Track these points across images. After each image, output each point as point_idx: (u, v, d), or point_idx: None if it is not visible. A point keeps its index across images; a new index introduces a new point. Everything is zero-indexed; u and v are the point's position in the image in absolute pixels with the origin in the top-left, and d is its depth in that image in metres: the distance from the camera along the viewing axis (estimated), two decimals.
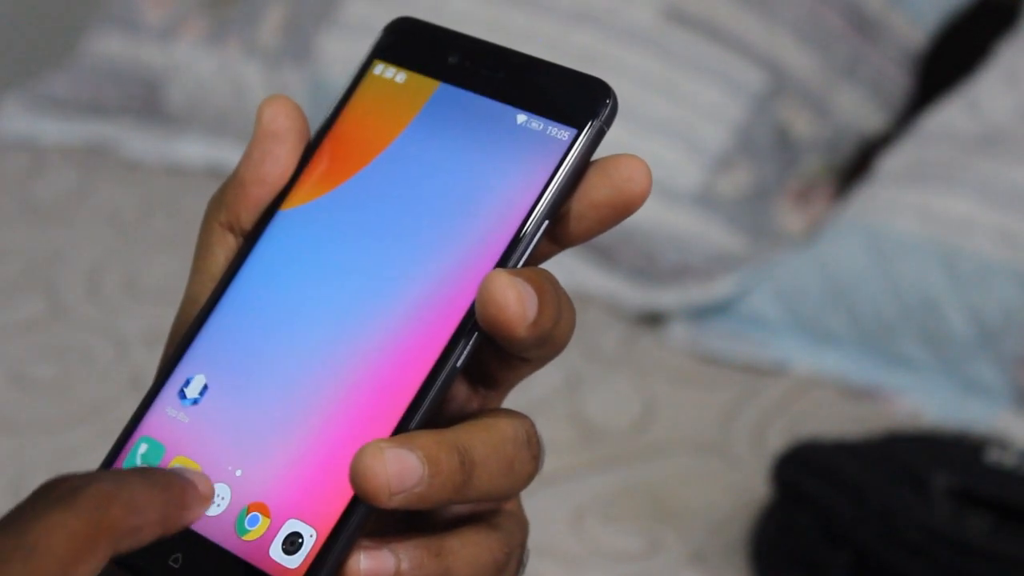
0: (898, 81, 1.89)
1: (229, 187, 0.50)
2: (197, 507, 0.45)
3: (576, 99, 0.47)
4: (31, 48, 2.53)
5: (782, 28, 1.83)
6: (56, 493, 0.42)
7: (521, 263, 0.47)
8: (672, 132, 1.77)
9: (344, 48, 1.96)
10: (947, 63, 1.85)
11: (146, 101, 2.09)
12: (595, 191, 0.48)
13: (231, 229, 0.50)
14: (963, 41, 1.87)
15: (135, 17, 2.13)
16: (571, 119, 0.47)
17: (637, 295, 1.67)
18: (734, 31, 1.82)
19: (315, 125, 0.51)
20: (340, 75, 1.94)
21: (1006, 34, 1.77)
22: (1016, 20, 1.79)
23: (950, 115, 1.69)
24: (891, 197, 1.62)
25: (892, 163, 1.68)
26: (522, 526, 0.49)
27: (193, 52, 2.07)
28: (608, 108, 0.47)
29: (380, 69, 0.51)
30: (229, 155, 2.01)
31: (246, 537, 0.46)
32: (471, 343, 0.46)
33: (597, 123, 0.47)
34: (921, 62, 1.90)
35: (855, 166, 1.85)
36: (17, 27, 2.58)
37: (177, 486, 0.45)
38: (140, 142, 2.04)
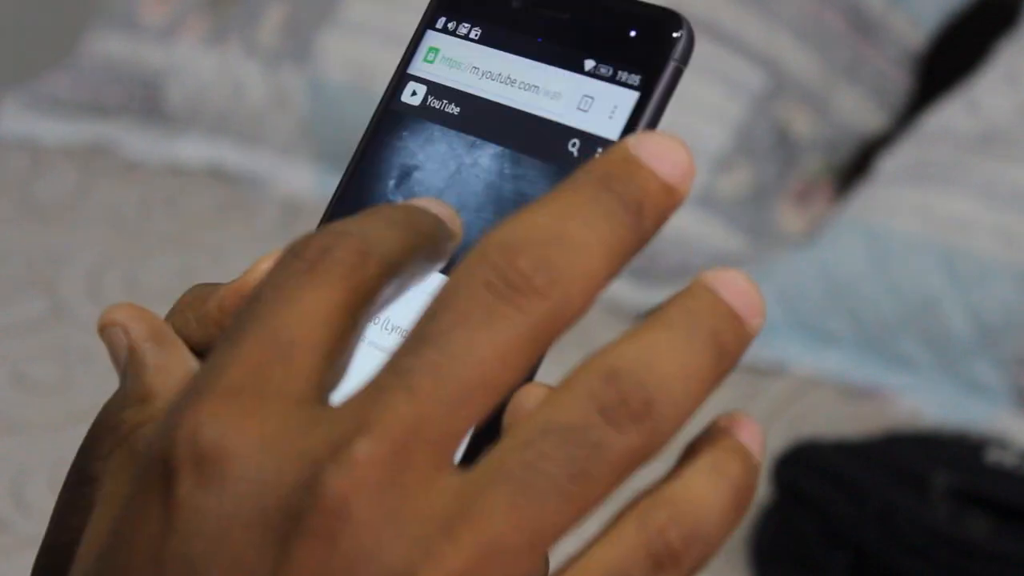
0: (898, 81, 1.89)
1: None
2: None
3: (645, 38, 0.43)
4: (31, 48, 2.53)
5: (782, 28, 1.83)
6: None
7: None
8: (672, 132, 1.77)
9: (344, 48, 1.95)
10: (947, 63, 1.85)
11: (146, 101, 2.09)
12: None
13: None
14: (963, 41, 1.87)
15: (135, 17, 2.13)
16: (641, 62, 0.42)
17: (637, 295, 1.67)
18: (734, 31, 1.82)
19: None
20: (340, 75, 1.94)
21: (1006, 34, 1.77)
22: (1016, 20, 1.79)
23: (950, 115, 1.69)
24: (891, 197, 1.62)
25: (892, 163, 1.68)
26: None
27: (193, 52, 2.07)
28: (682, 41, 0.42)
29: (441, 22, 0.47)
30: (229, 155, 2.01)
31: None
32: None
33: (672, 63, 0.42)
34: (921, 62, 1.90)
35: (855, 166, 1.85)
36: (17, 27, 2.58)
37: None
38: (140, 142, 2.04)
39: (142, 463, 0.32)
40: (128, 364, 0.41)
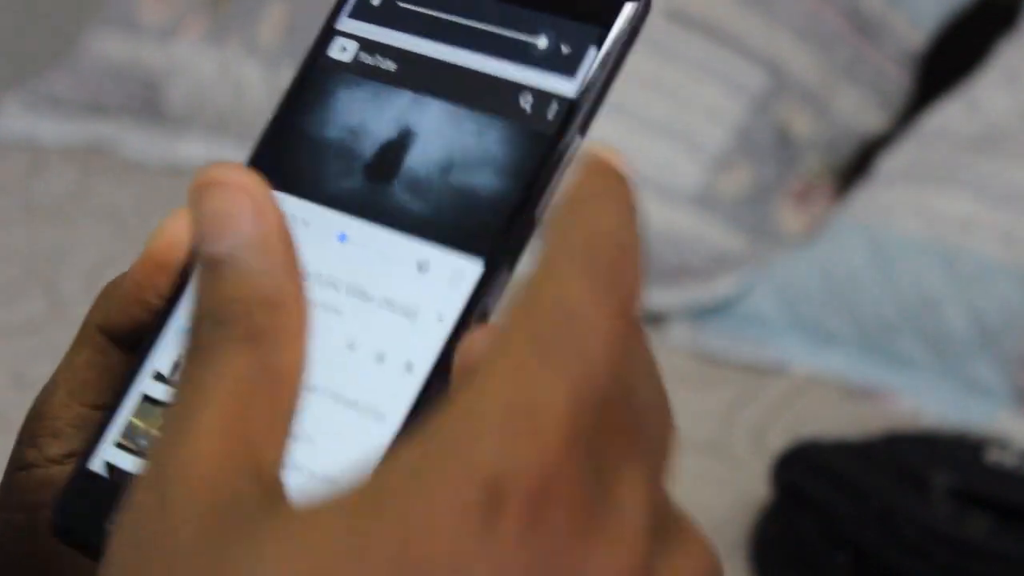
0: (898, 81, 1.89)
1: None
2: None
3: None
4: (31, 48, 2.53)
5: (782, 28, 1.83)
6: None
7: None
8: (672, 132, 1.77)
9: None
10: (947, 63, 1.85)
11: (146, 101, 2.09)
12: None
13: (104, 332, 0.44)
14: (963, 41, 1.87)
15: (135, 17, 2.13)
16: (597, 13, 0.41)
17: None
18: (734, 31, 1.82)
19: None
20: None
21: (1006, 34, 1.77)
22: (1016, 20, 1.79)
23: (950, 115, 1.69)
24: (891, 197, 1.62)
25: (892, 163, 1.68)
26: None
27: (193, 52, 2.07)
28: None
29: None
30: (229, 155, 2.01)
31: None
32: None
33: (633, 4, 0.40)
34: (921, 62, 1.90)
35: (855, 166, 1.85)
36: (17, 27, 2.58)
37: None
38: (140, 142, 2.04)
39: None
40: (247, 244, 0.32)
